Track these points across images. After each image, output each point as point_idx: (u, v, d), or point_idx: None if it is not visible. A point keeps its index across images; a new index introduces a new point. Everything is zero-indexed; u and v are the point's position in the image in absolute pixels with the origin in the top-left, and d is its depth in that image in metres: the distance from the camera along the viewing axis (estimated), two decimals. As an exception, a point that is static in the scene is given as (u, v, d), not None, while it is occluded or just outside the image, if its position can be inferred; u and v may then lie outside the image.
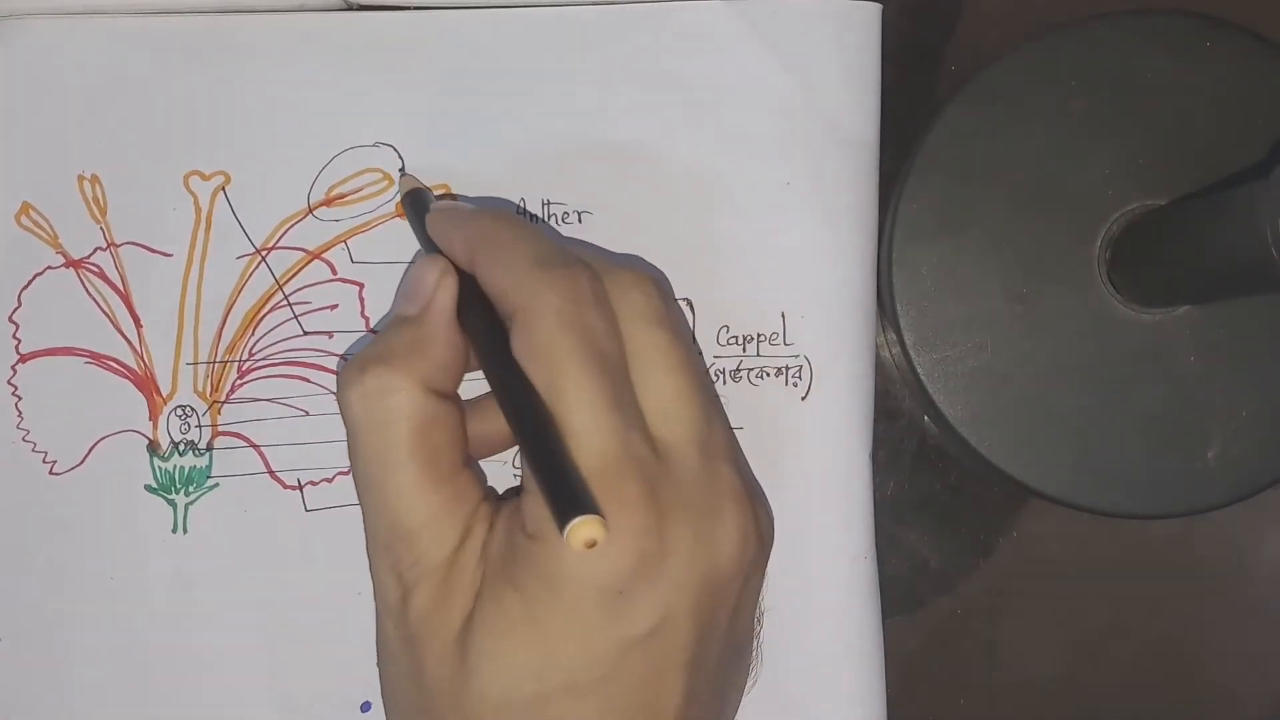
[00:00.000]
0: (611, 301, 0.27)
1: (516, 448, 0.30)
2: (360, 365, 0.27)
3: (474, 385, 0.29)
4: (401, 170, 0.33)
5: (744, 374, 0.32)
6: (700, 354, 0.32)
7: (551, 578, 0.25)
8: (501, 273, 0.27)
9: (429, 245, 0.29)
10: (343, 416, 0.27)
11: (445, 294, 0.27)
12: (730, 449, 0.28)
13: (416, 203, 0.31)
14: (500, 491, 0.28)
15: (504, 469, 0.32)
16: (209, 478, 0.32)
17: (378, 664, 0.28)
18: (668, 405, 0.26)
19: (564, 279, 0.26)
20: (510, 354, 0.26)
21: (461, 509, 0.26)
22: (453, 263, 0.28)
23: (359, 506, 0.27)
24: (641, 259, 0.32)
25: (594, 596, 0.25)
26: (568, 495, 0.23)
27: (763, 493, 0.29)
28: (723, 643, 0.27)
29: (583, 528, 0.23)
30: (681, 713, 0.26)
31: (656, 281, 0.28)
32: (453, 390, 0.28)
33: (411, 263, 0.32)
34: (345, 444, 0.32)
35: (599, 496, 0.24)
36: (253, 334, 0.33)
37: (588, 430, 0.25)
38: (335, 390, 0.29)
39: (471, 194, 0.33)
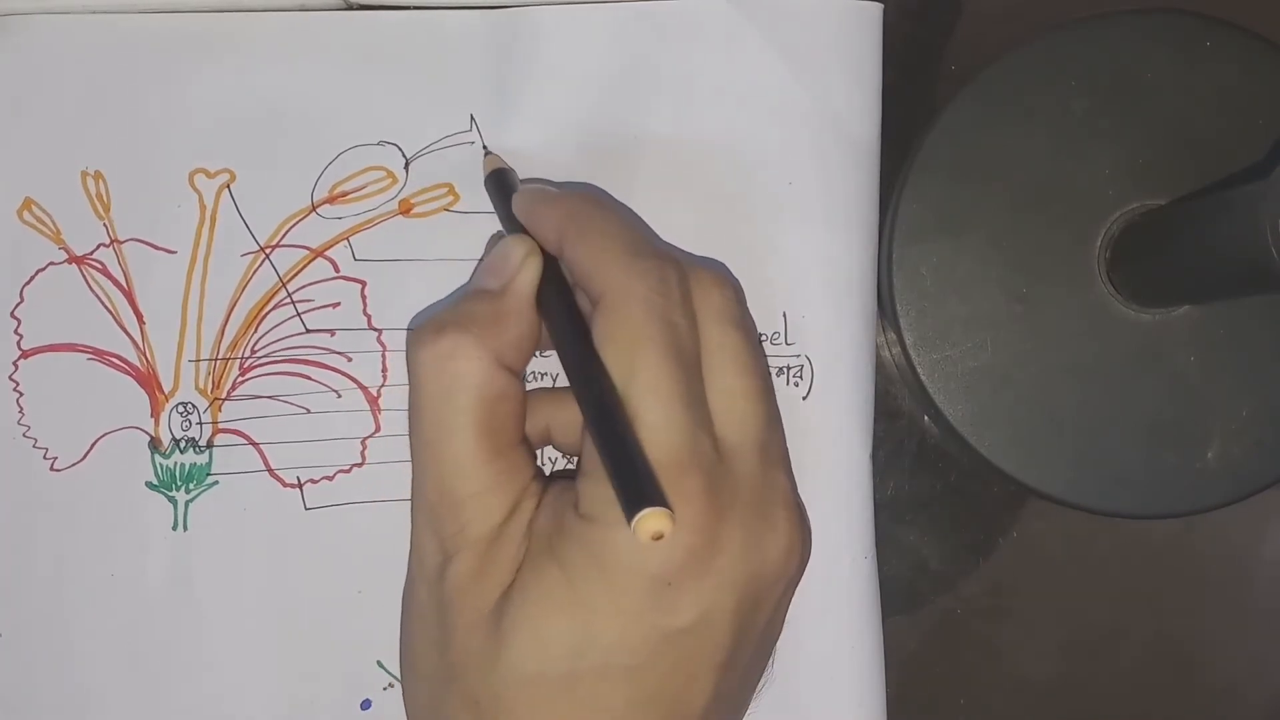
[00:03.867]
0: (692, 299, 0.27)
1: (550, 446, 0.30)
2: (437, 327, 0.27)
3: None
4: (486, 150, 0.33)
5: (745, 373, 0.32)
6: (767, 361, 0.32)
7: (602, 559, 0.25)
8: (591, 256, 0.27)
9: (511, 225, 0.29)
10: (410, 375, 0.27)
11: (529, 273, 0.28)
12: (787, 458, 0.28)
13: (500, 182, 0.31)
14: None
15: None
16: (209, 475, 0.32)
17: (401, 628, 0.29)
18: (735, 406, 0.27)
19: (654, 271, 0.26)
20: (589, 338, 0.26)
21: (513, 484, 0.27)
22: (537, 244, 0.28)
23: (408, 466, 0.28)
24: (723, 264, 0.32)
25: (643, 584, 0.25)
26: (638, 485, 0.24)
27: (805, 510, 0.29)
28: (754, 647, 0.27)
29: (651, 519, 0.23)
30: (706, 710, 0.26)
31: (735, 286, 0.29)
32: (520, 369, 0.28)
33: (493, 239, 0.32)
34: (344, 443, 0.32)
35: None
36: (255, 331, 0.33)
37: (659, 423, 0.25)
38: (405, 348, 0.29)
39: (471, 194, 0.33)
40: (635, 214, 0.32)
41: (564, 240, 0.28)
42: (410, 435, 0.28)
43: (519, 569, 0.26)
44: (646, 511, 0.23)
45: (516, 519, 0.27)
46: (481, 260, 0.31)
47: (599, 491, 0.25)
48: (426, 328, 0.27)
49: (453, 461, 0.26)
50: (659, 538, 0.23)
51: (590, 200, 0.29)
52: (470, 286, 0.29)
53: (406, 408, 0.28)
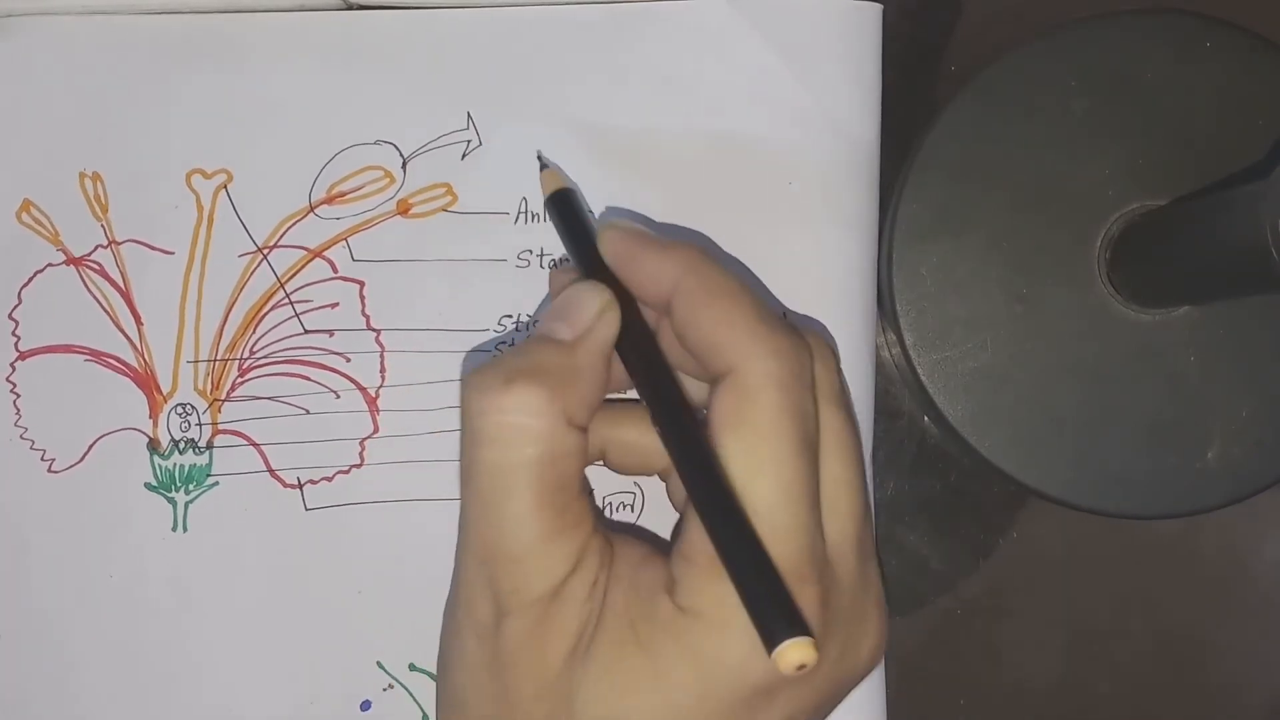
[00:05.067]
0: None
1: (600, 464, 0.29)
2: (506, 376, 0.24)
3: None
4: (542, 163, 0.31)
5: (744, 373, 0.32)
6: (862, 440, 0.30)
7: (700, 656, 0.23)
8: (719, 324, 0.25)
9: (582, 258, 0.27)
10: (466, 421, 0.25)
11: (606, 329, 0.26)
12: (874, 546, 0.27)
13: (563, 204, 0.29)
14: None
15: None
16: (209, 476, 0.32)
17: (440, 668, 0.27)
18: (841, 499, 0.25)
19: (790, 350, 0.24)
20: (683, 404, 0.25)
21: (574, 542, 0.25)
22: (616, 288, 0.26)
23: (456, 515, 0.26)
24: (820, 322, 0.31)
25: (744, 692, 0.24)
26: (780, 609, 0.22)
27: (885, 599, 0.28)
28: None
29: (796, 651, 0.21)
30: None
31: (837, 354, 0.27)
32: (587, 425, 0.26)
33: (555, 273, 0.29)
34: (344, 443, 0.32)
35: None
36: (254, 332, 0.33)
37: (789, 527, 0.23)
38: (460, 386, 0.27)
39: (469, 194, 0.32)
40: (745, 268, 0.30)
41: (680, 297, 0.25)
42: (462, 483, 0.25)
43: (591, 640, 0.24)
44: (790, 643, 0.21)
45: (578, 577, 0.25)
46: (549, 300, 0.29)
47: (705, 585, 0.23)
48: (494, 376, 0.24)
49: (510, 519, 0.24)
50: (803, 669, 0.21)
51: (707, 255, 0.26)
52: (539, 331, 0.26)
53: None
